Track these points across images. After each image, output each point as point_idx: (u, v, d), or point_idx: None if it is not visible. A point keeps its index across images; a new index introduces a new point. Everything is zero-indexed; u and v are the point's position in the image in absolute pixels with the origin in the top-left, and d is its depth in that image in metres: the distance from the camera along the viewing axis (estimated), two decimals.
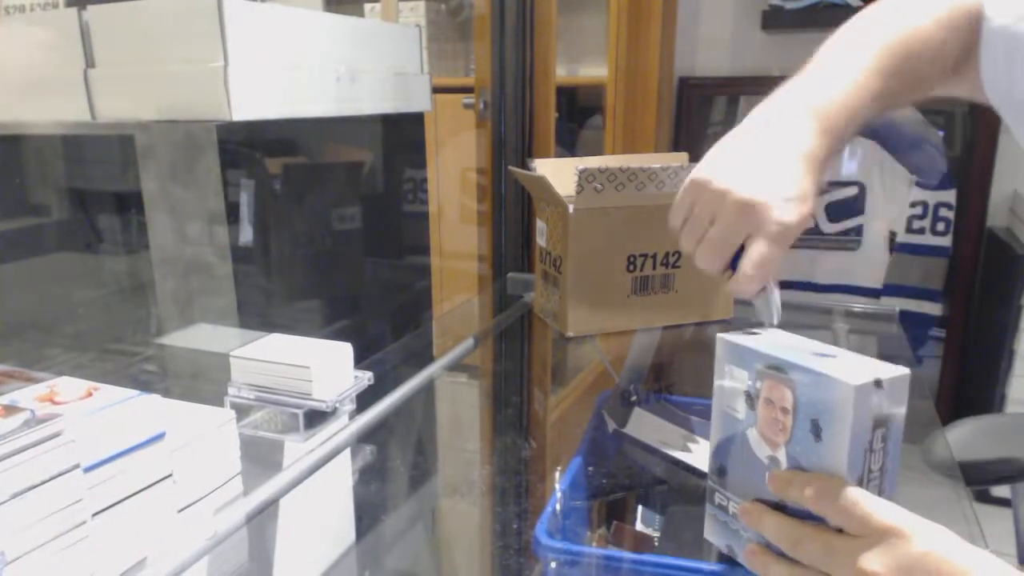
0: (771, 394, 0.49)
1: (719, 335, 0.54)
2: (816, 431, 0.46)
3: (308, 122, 0.93)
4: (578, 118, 2.24)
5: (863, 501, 0.44)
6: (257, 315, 0.94)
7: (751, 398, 0.51)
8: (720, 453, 0.55)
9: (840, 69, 0.62)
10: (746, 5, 2.00)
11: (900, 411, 0.46)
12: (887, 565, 0.42)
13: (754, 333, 0.54)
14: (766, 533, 0.49)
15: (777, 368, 0.48)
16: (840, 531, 0.45)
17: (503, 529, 0.66)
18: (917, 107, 1.85)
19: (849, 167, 1.99)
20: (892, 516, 0.43)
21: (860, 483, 0.45)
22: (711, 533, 0.57)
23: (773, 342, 0.52)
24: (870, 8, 0.67)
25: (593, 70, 2.18)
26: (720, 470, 0.55)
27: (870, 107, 0.62)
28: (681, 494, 0.68)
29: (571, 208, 1.02)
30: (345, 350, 0.80)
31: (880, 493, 0.46)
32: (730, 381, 0.53)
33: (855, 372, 0.45)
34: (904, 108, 0.64)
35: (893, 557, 0.42)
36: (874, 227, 2.00)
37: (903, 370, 0.46)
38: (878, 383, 0.44)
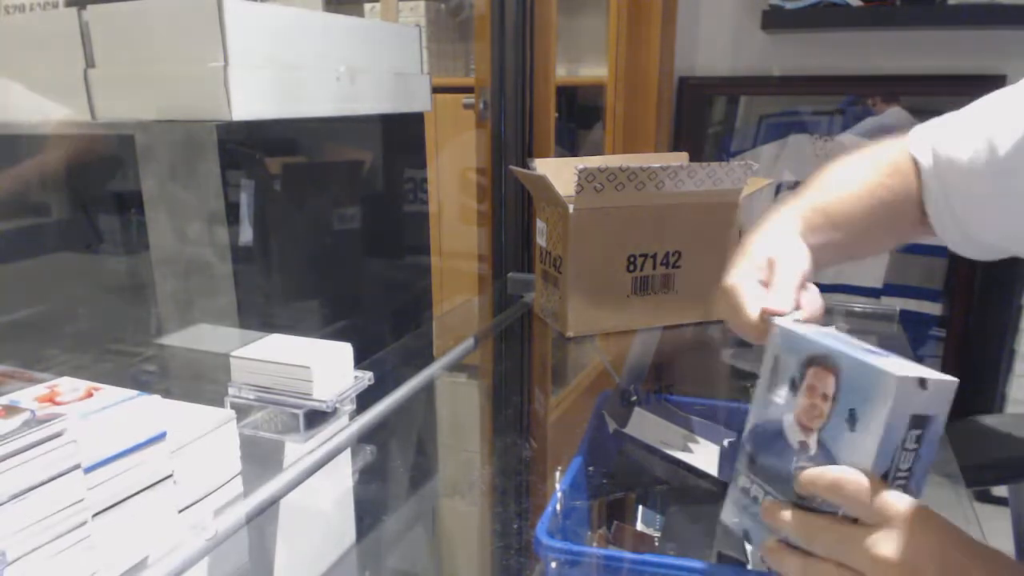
0: (815, 380, 0.49)
1: (773, 320, 0.54)
2: (852, 420, 0.46)
3: (308, 122, 0.93)
4: (578, 118, 2.24)
5: (879, 490, 0.44)
6: (257, 315, 0.94)
7: (795, 385, 0.51)
8: (754, 437, 0.54)
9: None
10: (746, 5, 2.00)
11: (941, 417, 0.45)
12: (902, 551, 0.42)
13: (803, 323, 0.55)
14: (784, 530, 0.49)
15: (826, 356, 0.49)
16: (856, 522, 0.46)
17: (503, 529, 0.66)
18: (910, 108, 1.85)
19: None
20: (907, 505, 0.44)
21: (885, 478, 0.45)
22: (729, 514, 0.56)
23: (825, 332, 0.52)
24: (826, 169, 0.72)
25: (593, 70, 2.18)
26: (751, 455, 0.54)
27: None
28: (682, 494, 0.68)
29: (571, 208, 1.02)
30: (345, 350, 0.80)
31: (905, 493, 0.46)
32: (778, 366, 0.53)
33: (902, 368, 0.45)
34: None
35: (908, 544, 0.42)
36: None
37: (951, 378, 0.45)
38: (922, 382, 0.44)
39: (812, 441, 0.49)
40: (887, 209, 0.69)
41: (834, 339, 0.51)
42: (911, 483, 0.46)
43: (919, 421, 0.45)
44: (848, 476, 0.45)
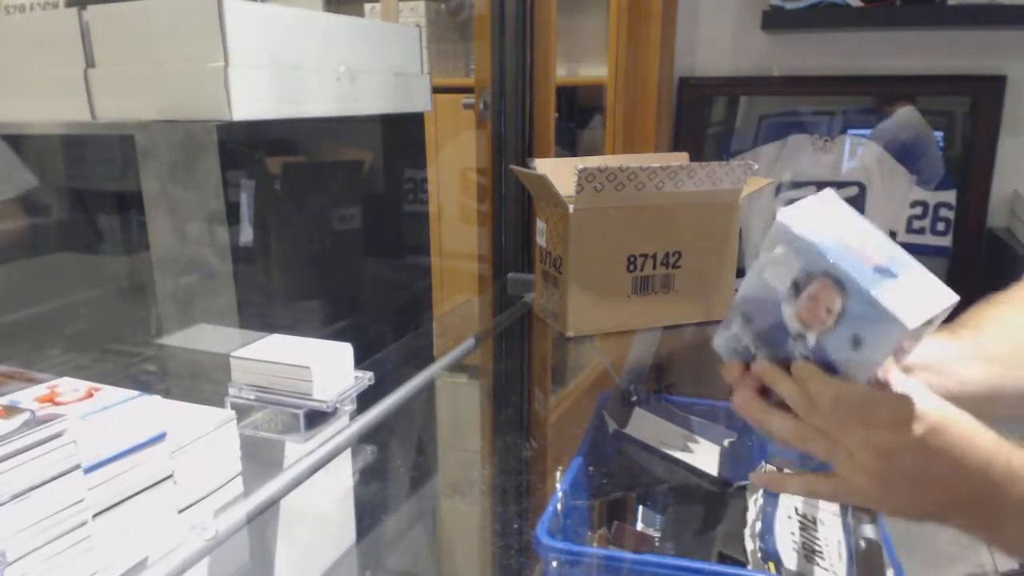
0: (820, 292, 0.49)
1: (780, 215, 0.50)
2: (856, 343, 0.47)
3: (308, 122, 0.93)
4: (578, 118, 2.24)
5: (881, 400, 0.47)
6: (257, 315, 0.94)
7: (797, 285, 0.50)
8: (747, 303, 0.53)
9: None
10: (746, 5, 2.00)
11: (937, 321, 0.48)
12: (902, 459, 0.46)
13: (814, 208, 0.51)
14: (780, 392, 0.51)
15: (836, 278, 0.48)
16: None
17: (504, 529, 0.66)
18: (915, 107, 1.85)
19: (849, 167, 1.99)
20: (914, 408, 0.46)
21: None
22: (720, 345, 0.56)
23: (836, 236, 0.49)
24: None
25: (593, 70, 2.18)
26: (747, 314, 0.54)
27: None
28: (682, 494, 0.68)
29: (571, 208, 1.02)
30: (345, 350, 0.80)
31: None
32: (780, 260, 0.51)
33: (912, 306, 0.46)
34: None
35: (907, 449, 0.46)
36: None
37: (953, 298, 0.48)
38: (930, 322, 0.46)
39: (811, 337, 0.50)
40: None
41: (842, 243, 0.48)
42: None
43: (919, 334, 0.48)
44: (848, 392, 0.48)
